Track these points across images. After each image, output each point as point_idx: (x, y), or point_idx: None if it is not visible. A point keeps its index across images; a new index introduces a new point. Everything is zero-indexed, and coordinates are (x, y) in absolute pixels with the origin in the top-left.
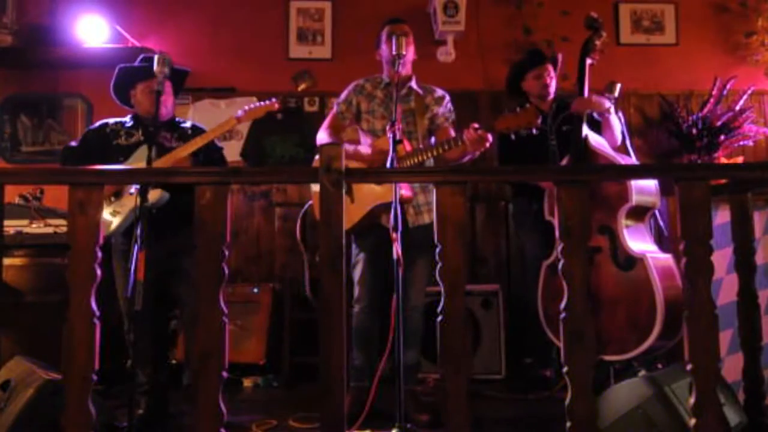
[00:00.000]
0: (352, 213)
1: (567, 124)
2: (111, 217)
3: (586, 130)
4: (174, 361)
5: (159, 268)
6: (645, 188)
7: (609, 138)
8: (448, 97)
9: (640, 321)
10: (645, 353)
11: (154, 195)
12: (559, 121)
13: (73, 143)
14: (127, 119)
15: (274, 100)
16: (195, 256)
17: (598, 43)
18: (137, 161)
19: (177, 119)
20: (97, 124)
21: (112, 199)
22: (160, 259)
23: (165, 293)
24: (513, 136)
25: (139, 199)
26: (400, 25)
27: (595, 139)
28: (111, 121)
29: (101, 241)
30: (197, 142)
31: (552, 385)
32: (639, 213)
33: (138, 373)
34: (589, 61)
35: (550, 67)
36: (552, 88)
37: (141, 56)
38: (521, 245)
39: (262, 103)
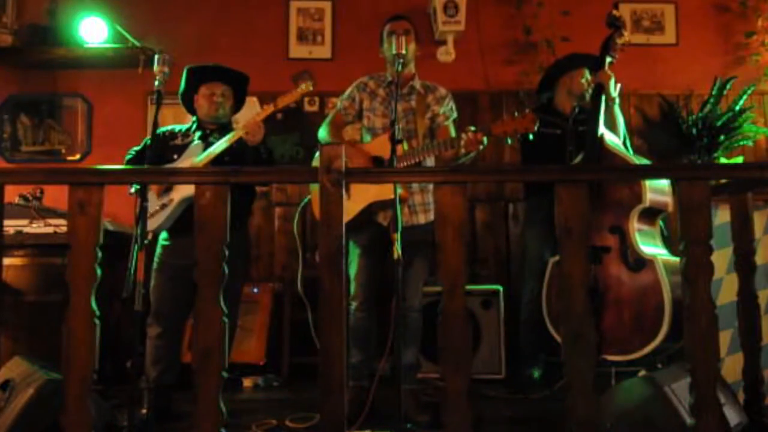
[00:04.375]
0: (347, 208)
1: (583, 124)
2: (159, 210)
3: (602, 128)
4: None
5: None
6: (659, 189)
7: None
8: (450, 96)
9: (647, 323)
10: (649, 355)
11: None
12: (577, 121)
13: (136, 147)
14: (190, 123)
15: (304, 86)
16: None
17: (619, 41)
18: (187, 157)
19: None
20: (163, 128)
21: (161, 193)
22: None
23: (189, 294)
24: (531, 136)
25: (139, 199)
26: (401, 22)
27: (610, 138)
28: (177, 126)
29: (149, 235)
30: (232, 138)
31: (547, 385)
32: (651, 215)
33: (149, 371)
34: (609, 59)
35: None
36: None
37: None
38: (525, 243)
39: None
